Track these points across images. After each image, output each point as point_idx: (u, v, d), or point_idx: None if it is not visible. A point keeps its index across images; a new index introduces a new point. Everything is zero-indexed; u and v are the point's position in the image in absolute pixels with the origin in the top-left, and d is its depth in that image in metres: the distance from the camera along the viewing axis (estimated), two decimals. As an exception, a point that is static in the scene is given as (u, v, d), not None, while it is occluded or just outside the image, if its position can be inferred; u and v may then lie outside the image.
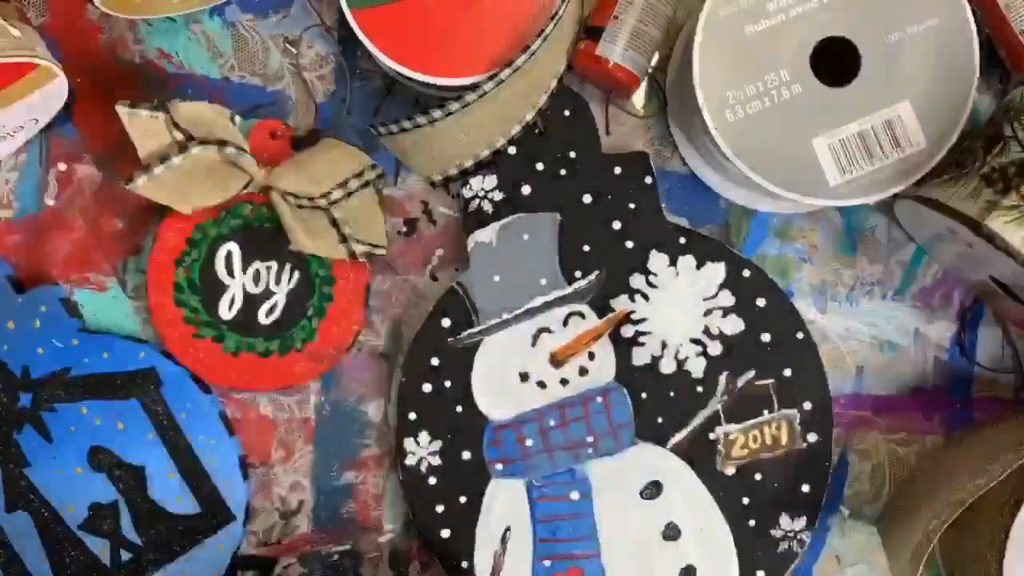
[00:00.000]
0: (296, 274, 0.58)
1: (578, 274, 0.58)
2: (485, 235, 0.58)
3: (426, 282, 0.60)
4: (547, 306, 0.58)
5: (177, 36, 0.60)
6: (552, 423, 0.58)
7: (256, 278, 0.58)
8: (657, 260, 0.58)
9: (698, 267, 0.58)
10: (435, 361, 0.58)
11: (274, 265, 0.58)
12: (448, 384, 0.58)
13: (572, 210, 0.58)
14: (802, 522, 0.58)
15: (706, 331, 0.58)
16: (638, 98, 0.60)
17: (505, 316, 0.58)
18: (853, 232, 0.61)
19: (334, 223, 0.57)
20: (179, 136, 0.55)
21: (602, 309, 0.58)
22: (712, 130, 0.53)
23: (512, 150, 0.58)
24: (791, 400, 0.58)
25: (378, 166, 0.58)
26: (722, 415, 0.58)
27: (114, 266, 0.59)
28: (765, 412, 0.58)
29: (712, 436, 0.58)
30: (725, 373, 0.58)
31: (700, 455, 0.58)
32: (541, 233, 0.58)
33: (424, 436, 0.58)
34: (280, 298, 0.58)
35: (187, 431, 0.58)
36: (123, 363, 0.58)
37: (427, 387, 0.58)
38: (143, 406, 0.58)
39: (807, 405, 0.58)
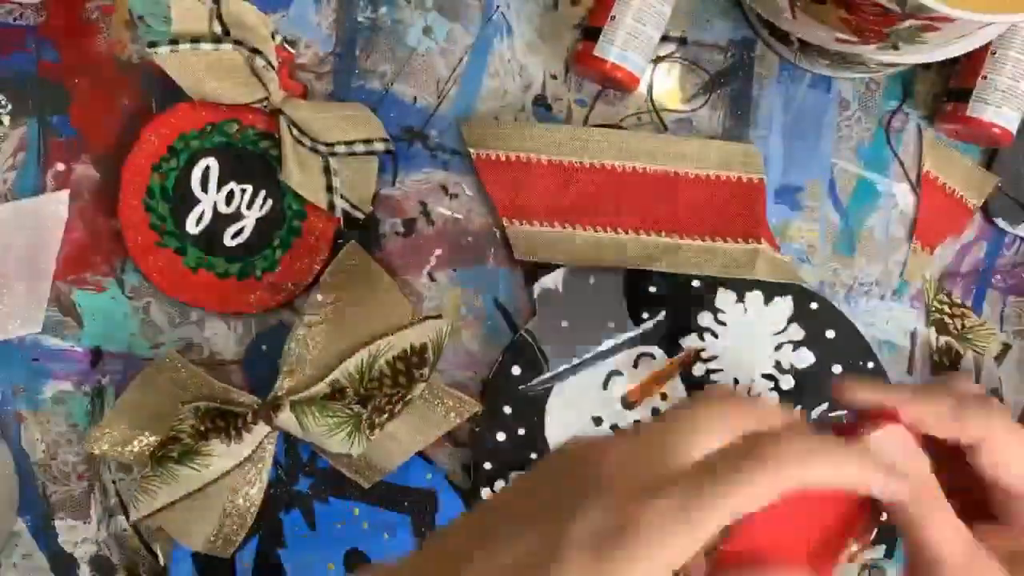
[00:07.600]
0: (269, 202, 0.58)
1: (645, 315, 0.58)
2: (551, 280, 0.58)
3: (424, 282, 0.60)
4: (616, 349, 0.58)
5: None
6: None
7: (229, 198, 0.58)
8: (724, 297, 0.58)
9: (766, 302, 0.58)
10: (507, 409, 0.57)
11: (249, 189, 0.58)
12: (522, 432, 0.57)
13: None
14: (880, 550, 0.58)
15: (777, 366, 0.58)
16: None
17: (575, 361, 0.57)
18: (852, 232, 0.61)
19: (327, 171, 0.56)
20: (217, 28, 0.55)
21: (671, 349, 0.58)
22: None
23: None
24: None
25: (390, 141, 0.58)
26: None
27: (112, 266, 0.59)
28: None
29: None
30: (798, 407, 0.58)
31: None
32: (607, 276, 0.58)
33: (501, 486, 0.57)
34: (249, 223, 0.58)
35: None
36: (407, 478, 0.57)
37: (501, 436, 0.57)
38: (412, 524, 0.57)
39: None
